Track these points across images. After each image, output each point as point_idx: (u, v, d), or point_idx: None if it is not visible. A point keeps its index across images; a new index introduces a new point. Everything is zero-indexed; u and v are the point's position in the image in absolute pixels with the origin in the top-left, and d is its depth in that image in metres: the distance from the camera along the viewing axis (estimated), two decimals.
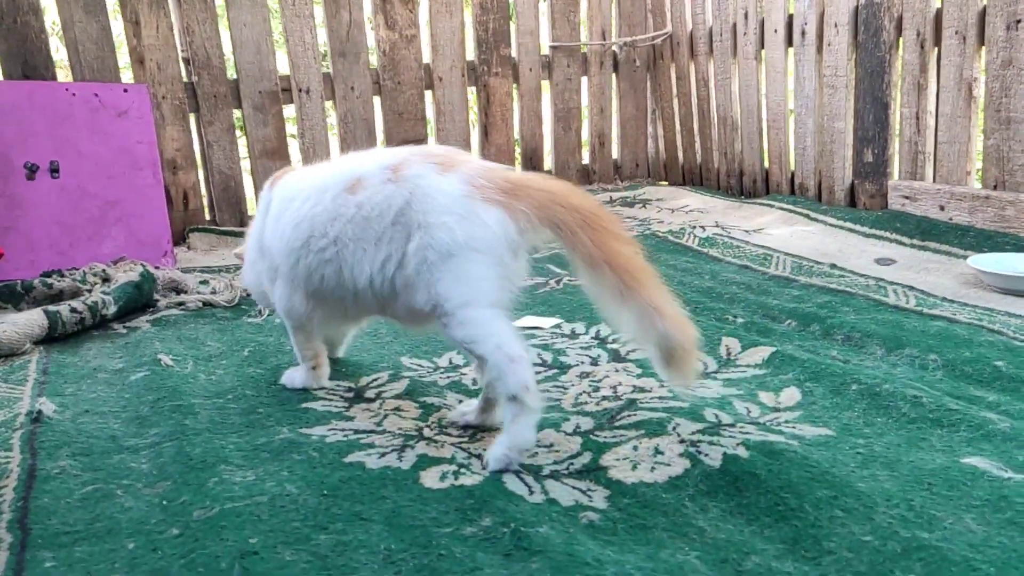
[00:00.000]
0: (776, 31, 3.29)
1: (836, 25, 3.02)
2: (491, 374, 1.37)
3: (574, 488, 1.31)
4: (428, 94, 3.67)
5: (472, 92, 3.77)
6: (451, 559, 1.05)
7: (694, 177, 3.99)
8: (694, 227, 3.22)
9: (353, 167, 1.52)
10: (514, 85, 3.83)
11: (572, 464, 1.39)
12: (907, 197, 2.85)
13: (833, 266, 2.60)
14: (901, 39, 2.83)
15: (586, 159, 4.14)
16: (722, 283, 2.49)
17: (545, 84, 3.99)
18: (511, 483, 1.32)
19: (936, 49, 2.72)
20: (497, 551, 1.08)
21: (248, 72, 3.23)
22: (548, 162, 4.05)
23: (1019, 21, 2.43)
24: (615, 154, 4.19)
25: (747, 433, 1.45)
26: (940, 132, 2.75)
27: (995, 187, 2.59)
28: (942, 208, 2.72)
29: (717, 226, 3.23)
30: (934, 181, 2.80)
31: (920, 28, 2.74)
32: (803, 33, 3.17)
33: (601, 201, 3.78)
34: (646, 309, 1.33)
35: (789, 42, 3.26)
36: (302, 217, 1.52)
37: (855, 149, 3.08)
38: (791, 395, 1.64)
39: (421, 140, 3.63)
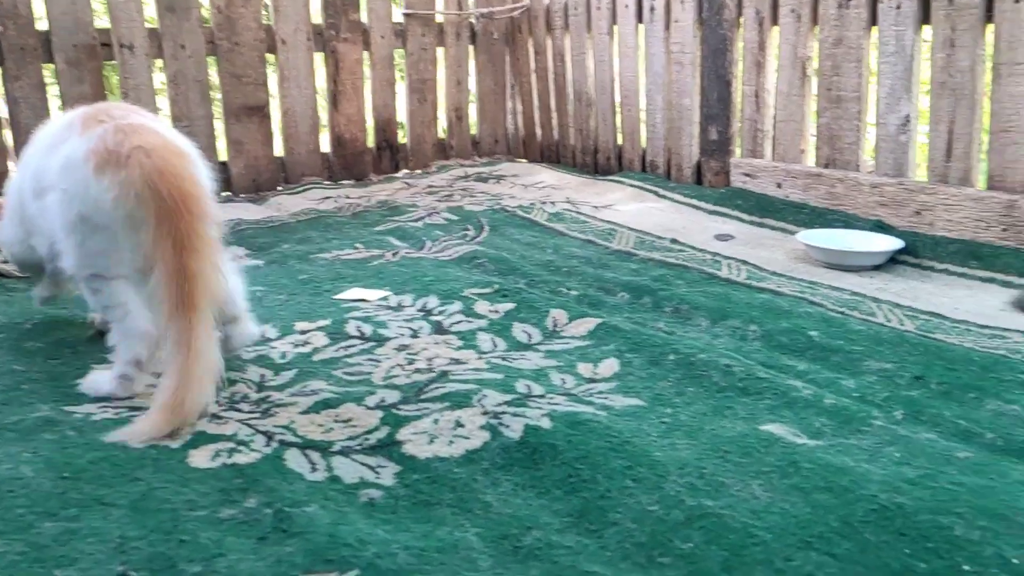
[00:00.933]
0: (627, 6, 3.28)
1: (682, 1, 3.03)
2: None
3: (363, 464, 1.23)
4: (271, 58, 3.49)
5: (320, 58, 3.61)
6: (193, 545, 0.95)
7: (551, 154, 3.96)
8: (544, 203, 3.18)
9: (58, 121, 1.51)
10: (365, 52, 3.68)
11: (367, 439, 1.31)
12: (748, 175, 2.89)
13: (674, 241, 2.60)
14: (742, 17, 2.86)
15: (443, 133, 4.04)
16: (563, 257, 2.45)
17: (400, 53, 3.87)
18: (293, 460, 1.23)
19: (774, 27, 2.76)
20: (251, 535, 0.99)
21: (61, 24, 2.97)
22: (403, 135, 3.94)
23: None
24: (474, 129, 4.11)
25: (555, 404, 1.40)
26: (778, 110, 2.80)
27: (827, 165, 2.65)
28: (779, 186, 2.77)
29: (568, 202, 3.20)
30: (773, 159, 2.85)
31: (759, 6, 2.77)
32: (652, 9, 3.17)
33: (454, 176, 3.71)
34: (178, 348, 1.27)
35: (640, 18, 3.26)
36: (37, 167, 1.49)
37: (701, 127, 3.11)
38: (610, 366, 1.60)
39: (262, 106, 3.45)
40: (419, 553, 0.96)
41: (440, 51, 3.94)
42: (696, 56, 3.05)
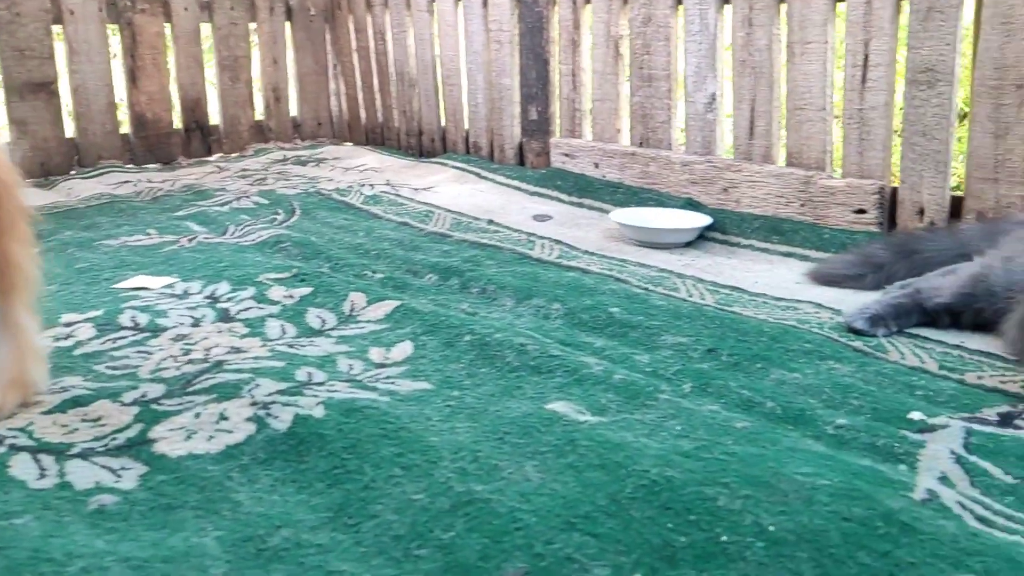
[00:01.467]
0: None
1: None
2: None
3: (103, 467, 1.10)
4: (58, 30, 3.20)
5: (115, 31, 3.35)
6: None
7: (376, 137, 3.84)
8: (363, 185, 3.07)
9: None
10: (167, 25, 3.45)
11: (115, 439, 1.18)
12: (567, 155, 2.89)
13: (491, 222, 2.55)
14: None
15: (261, 115, 3.84)
16: (375, 240, 2.35)
17: (207, 28, 3.64)
18: (19, 466, 1.08)
19: (587, 5, 2.76)
20: None
21: None
22: (215, 116, 3.71)
23: None
24: (294, 111, 3.93)
25: (334, 391, 1.31)
26: (594, 89, 2.80)
27: (641, 144, 2.68)
28: (597, 165, 2.78)
29: (387, 184, 3.10)
30: (592, 139, 2.86)
31: None
32: None
33: (271, 160, 3.53)
34: (6, 327, 1.25)
35: None
36: None
37: (522, 107, 3.08)
38: (403, 350, 1.53)
39: (49, 83, 3.16)
40: (140, 565, 0.85)
41: (252, 27, 3.74)
42: (514, 34, 3.02)
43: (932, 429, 1.22)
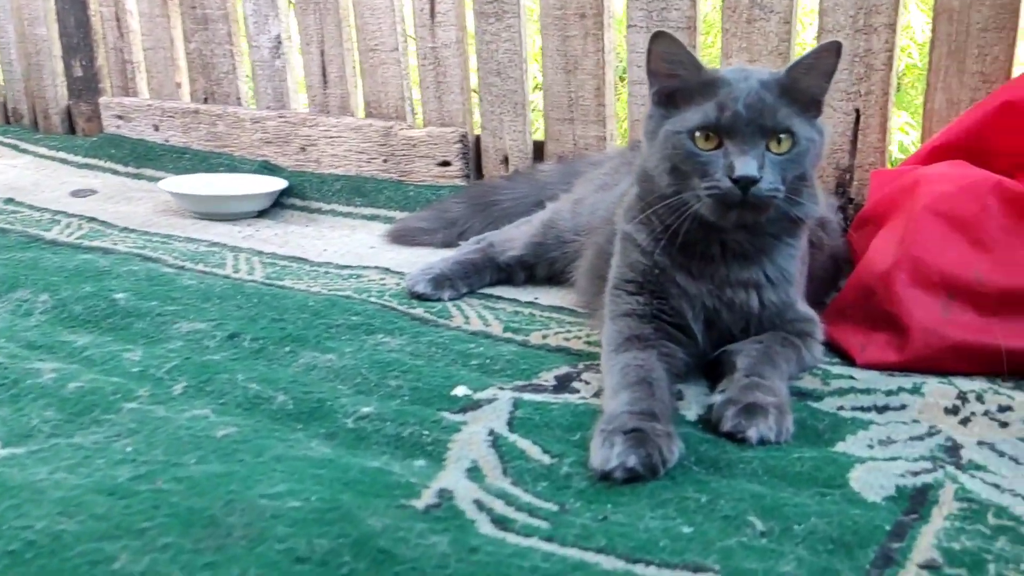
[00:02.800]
0: None
1: None
2: None
3: None
4: None
5: None
6: None
7: None
8: None
9: None
10: None
11: None
12: (121, 117, 2.43)
13: (10, 201, 2.04)
14: None
15: None
16: None
17: None
18: None
19: None
20: None
21: None
22: None
23: None
24: None
25: None
26: (144, 36, 2.37)
27: (205, 100, 2.30)
28: (157, 128, 2.36)
29: None
30: (148, 97, 2.42)
31: None
32: None
33: None
34: None
35: None
36: None
37: (65, 62, 2.56)
38: None
39: None
40: None
41: None
42: None
43: (477, 406, 1.01)
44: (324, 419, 0.97)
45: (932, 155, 1.32)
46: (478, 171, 1.98)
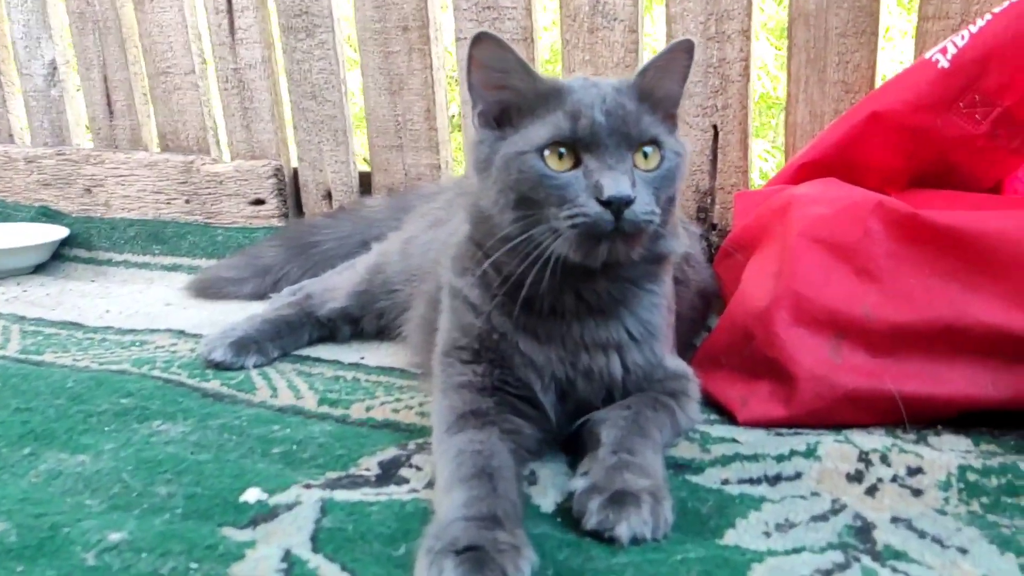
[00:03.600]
0: None
1: None
2: None
3: None
4: None
5: None
6: None
7: None
8: None
9: None
10: None
11: None
12: None
13: None
14: None
15: None
16: None
17: None
18: None
19: None
20: None
21: None
22: None
23: None
24: None
25: None
26: None
27: None
28: None
29: None
30: None
31: None
32: None
33: None
34: None
35: None
36: None
37: None
38: None
39: None
40: None
41: None
42: None
43: (272, 514, 0.78)
44: (55, 555, 0.72)
45: (800, 173, 1.20)
46: (297, 208, 1.75)
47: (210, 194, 1.74)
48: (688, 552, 0.71)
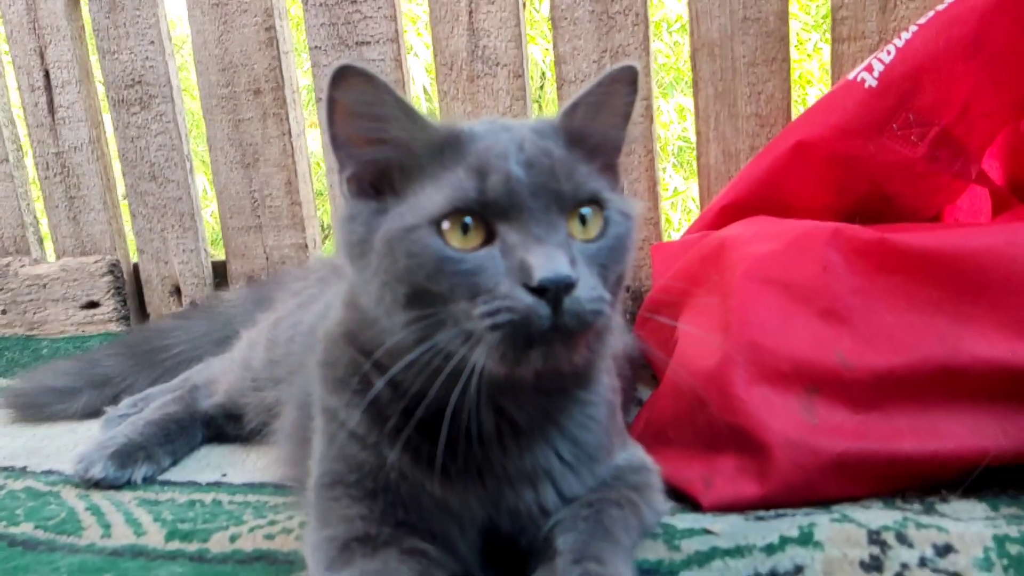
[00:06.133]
0: None
1: None
2: None
3: None
4: None
5: None
6: None
7: None
8: None
9: None
10: None
11: None
12: None
13: None
14: None
15: None
16: None
17: None
18: None
19: None
20: None
21: None
22: None
23: None
24: None
25: None
26: None
27: None
28: None
29: None
30: None
31: None
32: None
33: None
34: None
35: None
36: None
37: None
38: None
39: None
40: None
41: None
42: None
43: None
44: None
45: (721, 216, 1.08)
46: (140, 309, 1.52)
47: (31, 301, 1.49)
48: None
